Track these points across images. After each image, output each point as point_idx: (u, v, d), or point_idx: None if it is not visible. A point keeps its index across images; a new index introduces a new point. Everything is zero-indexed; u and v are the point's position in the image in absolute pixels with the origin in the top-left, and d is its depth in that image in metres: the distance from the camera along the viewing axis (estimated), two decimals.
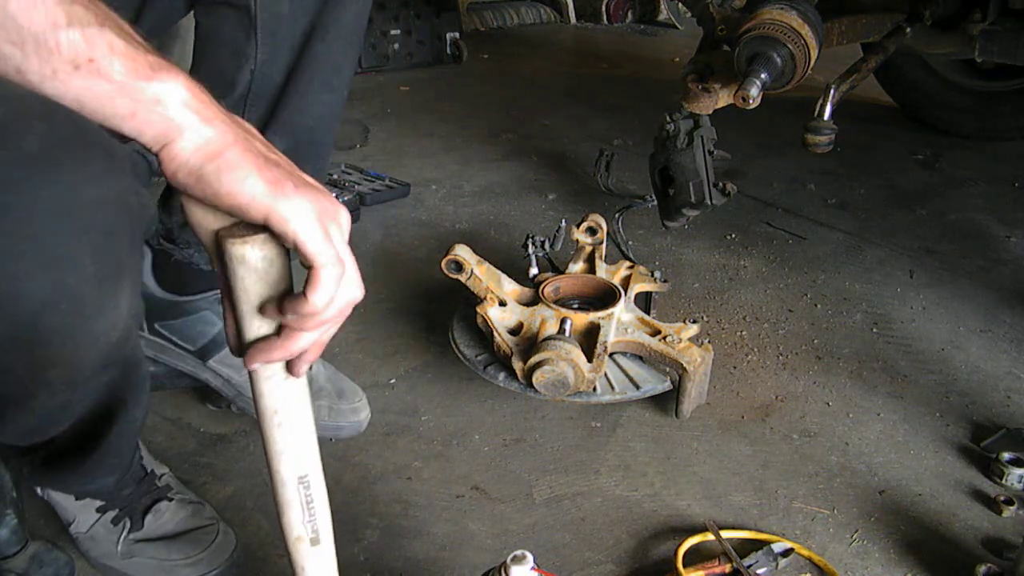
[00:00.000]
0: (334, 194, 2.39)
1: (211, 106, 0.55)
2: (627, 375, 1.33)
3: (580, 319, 1.35)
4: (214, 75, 1.03)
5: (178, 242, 1.17)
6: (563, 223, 1.59)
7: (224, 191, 0.54)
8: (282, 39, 0.89)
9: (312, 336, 0.60)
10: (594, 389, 1.29)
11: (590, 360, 1.26)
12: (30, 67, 0.50)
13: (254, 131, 0.60)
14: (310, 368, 1.22)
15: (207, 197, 0.55)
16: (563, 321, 1.34)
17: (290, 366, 0.63)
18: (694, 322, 1.38)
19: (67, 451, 0.92)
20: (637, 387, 1.31)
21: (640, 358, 1.36)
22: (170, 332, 1.21)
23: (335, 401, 1.23)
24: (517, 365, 1.27)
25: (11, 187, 0.51)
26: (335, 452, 1.26)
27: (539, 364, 1.23)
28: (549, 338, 1.27)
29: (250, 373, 0.64)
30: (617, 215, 1.83)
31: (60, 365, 0.63)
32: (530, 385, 1.26)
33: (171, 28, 1.10)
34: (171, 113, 0.53)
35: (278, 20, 0.98)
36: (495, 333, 1.33)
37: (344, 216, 0.60)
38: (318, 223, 0.56)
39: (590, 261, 1.53)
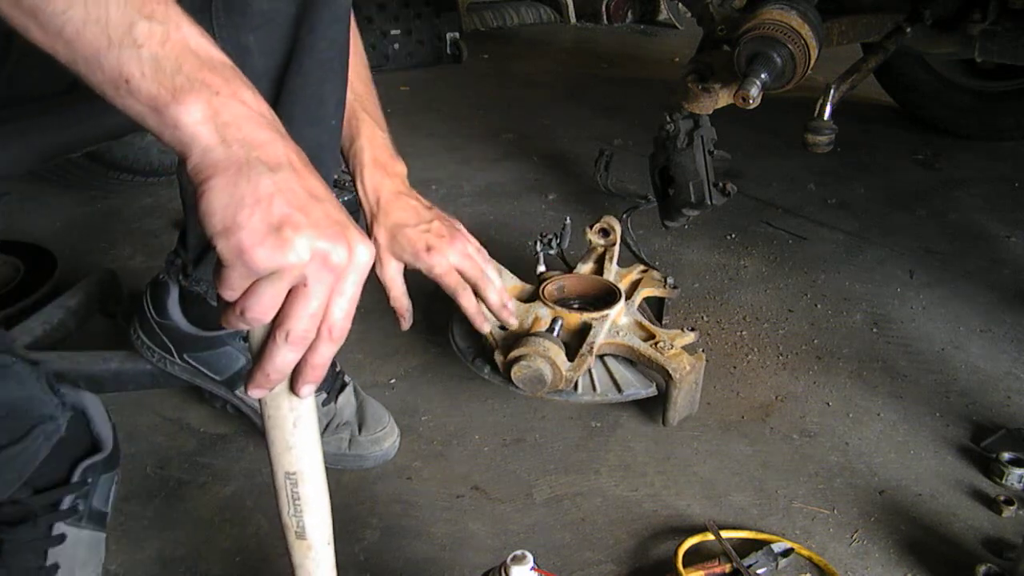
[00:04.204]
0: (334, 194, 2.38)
1: (232, 126, 0.58)
2: (612, 377, 1.32)
3: (573, 318, 1.34)
4: None
5: (192, 278, 1.19)
6: (567, 221, 1.59)
7: (200, 212, 0.58)
8: (251, 75, 0.85)
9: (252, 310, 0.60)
10: (576, 388, 1.29)
11: (573, 359, 1.26)
12: (88, 80, 0.57)
13: (282, 157, 0.60)
14: (332, 400, 1.23)
15: (197, 210, 0.58)
16: (555, 319, 1.34)
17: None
18: (692, 329, 1.38)
19: None
20: (620, 390, 1.30)
21: (632, 362, 1.36)
22: (197, 363, 1.24)
23: (356, 433, 1.25)
24: (499, 358, 1.27)
25: None
26: None
27: (517, 359, 1.23)
28: (532, 334, 1.27)
29: None
30: (624, 216, 1.82)
31: None
32: (510, 379, 1.26)
33: None
34: (184, 136, 0.57)
35: (244, 53, 0.94)
36: None
37: (316, 291, 0.60)
38: (236, 277, 0.58)
39: (599, 262, 1.53)
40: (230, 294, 0.60)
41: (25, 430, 0.91)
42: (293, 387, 0.66)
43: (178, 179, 1.14)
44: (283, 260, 0.58)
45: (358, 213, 2.09)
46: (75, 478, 0.98)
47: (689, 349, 1.33)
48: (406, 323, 1.18)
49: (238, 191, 0.57)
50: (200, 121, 0.57)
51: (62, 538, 0.97)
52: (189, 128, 0.57)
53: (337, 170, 1.19)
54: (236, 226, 0.57)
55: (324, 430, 1.23)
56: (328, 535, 0.74)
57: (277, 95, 0.98)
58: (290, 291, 0.61)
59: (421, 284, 1.76)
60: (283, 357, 0.63)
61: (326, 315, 0.62)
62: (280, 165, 0.59)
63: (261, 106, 0.61)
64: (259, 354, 0.64)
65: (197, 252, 1.17)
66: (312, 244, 0.59)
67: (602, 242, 1.55)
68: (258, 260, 0.57)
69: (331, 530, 0.75)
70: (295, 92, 0.97)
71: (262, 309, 0.60)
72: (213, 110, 0.57)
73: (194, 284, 1.19)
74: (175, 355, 1.24)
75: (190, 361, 1.24)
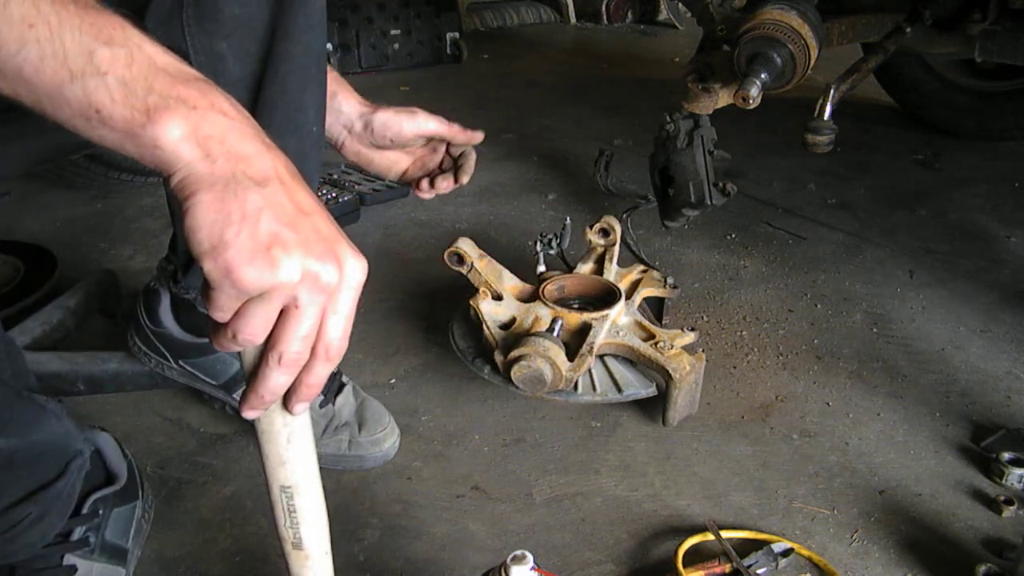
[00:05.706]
0: (333, 194, 2.36)
1: (215, 140, 0.56)
2: (612, 377, 1.32)
3: (573, 318, 1.34)
4: None
5: (182, 284, 1.19)
6: (567, 221, 1.59)
7: (186, 229, 0.56)
8: (227, 82, 0.83)
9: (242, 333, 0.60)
10: (576, 388, 1.29)
11: (573, 359, 1.26)
12: (55, 117, 0.55)
13: (269, 171, 0.58)
14: (330, 401, 1.22)
15: (182, 227, 0.57)
16: (555, 319, 1.34)
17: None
18: (692, 329, 1.37)
19: None
20: (620, 390, 1.30)
21: (632, 362, 1.36)
22: (194, 368, 1.24)
23: (356, 434, 1.25)
24: (499, 358, 1.27)
25: None
26: None
27: (517, 359, 1.23)
28: (532, 334, 1.27)
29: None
30: (624, 216, 1.82)
31: None
32: (510, 379, 1.26)
33: None
34: (166, 155, 0.56)
35: (218, 61, 0.93)
36: (484, 326, 1.34)
37: (308, 312, 0.59)
38: (224, 299, 0.57)
39: (599, 262, 1.53)
40: (220, 315, 0.58)
41: (64, 465, 0.93)
42: (287, 405, 0.64)
43: (164, 187, 1.13)
44: (273, 280, 0.56)
45: (356, 214, 2.10)
46: (85, 510, 0.99)
47: (689, 349, 1.33)
48: (478, 135, 1.25)
49: (225, 207, 0.55)
50: (181, 138, 0.55)
51: (73, 569, 0.97)
52: (170, 146, 0.55)
53: (322, 177, 1.18)
54: (223, 245, 0.55)
55: (323, 432, 1.23)
56: (326, 545, 0.74)
57: (254, 103, 0.96)
58: (282, 311, 0.59)
59: (422, 283, 1.76)
60: (276, 380, 0.61)
61: (321, 335, 0.61)
62: (268, 179, 0.58)
63: (243, 116, 0.59)
64: (252, 376, 0.62)
65: (187, 258, 1.16)
66: (302, 263, 0.57)
67: (602, 242, 1.55)
68: (247, 280, 0.55)
69: (328, 540, 0.74)
70: (273, 100, 0.96)
71: (253, 331, 0.59)
72: (193, 125, 0.56)
73: (184, 291, 1.19)
74: (171, 361, 1.24)
75: (186, 367, 1.24)
